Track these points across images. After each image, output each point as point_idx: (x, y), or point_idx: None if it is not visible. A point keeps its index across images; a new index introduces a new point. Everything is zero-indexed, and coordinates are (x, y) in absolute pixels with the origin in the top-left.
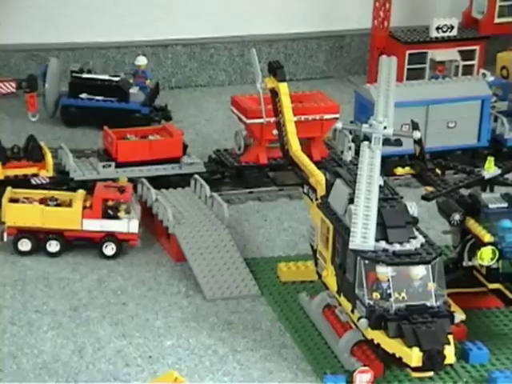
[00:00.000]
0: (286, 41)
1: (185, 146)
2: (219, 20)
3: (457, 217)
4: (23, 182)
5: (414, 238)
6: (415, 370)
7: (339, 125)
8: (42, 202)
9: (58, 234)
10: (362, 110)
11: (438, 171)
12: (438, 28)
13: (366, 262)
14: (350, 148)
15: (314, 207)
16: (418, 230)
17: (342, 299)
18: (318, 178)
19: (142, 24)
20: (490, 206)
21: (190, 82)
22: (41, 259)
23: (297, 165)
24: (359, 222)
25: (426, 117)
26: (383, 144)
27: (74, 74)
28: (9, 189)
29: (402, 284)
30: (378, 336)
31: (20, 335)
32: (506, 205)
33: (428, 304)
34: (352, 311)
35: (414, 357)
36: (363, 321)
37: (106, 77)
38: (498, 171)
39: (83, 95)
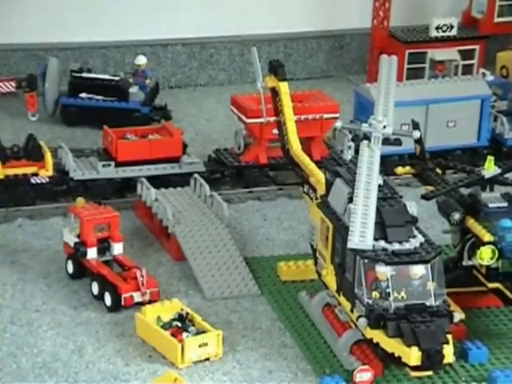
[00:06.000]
0: (285, 40)
1: (184, 146)
2: (219, 19)
3: (457, 216)
4: (23, 182)
5: (414, 237)
6: (414, 369)
7: (339, 124)
8: None
9: None
10: (362, 110)
11: (438, 171)
12: (437, 27)
13: (366, 261)
14: (349, 147)
15: (314, 206)
16: (417, 229)
17: (342, 298)
18: (318, 177)
19: (142, 23)
20: (490, 205)
21: (189, 82)
22: (41, 259)
23: (297, 164)
24: (357, 221)
25: (426, 116)
26: (383, 143)
27: (74, 74)
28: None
29: (402, 283)
30: (377, 335)
31: (20, 334)
32: (505, 204)
33: (427, 303)
34: (351, 310)
35: (412, 356)
36: (362, 320)
37: (106, 76)
38: (498, 170)
39: (83, 95)
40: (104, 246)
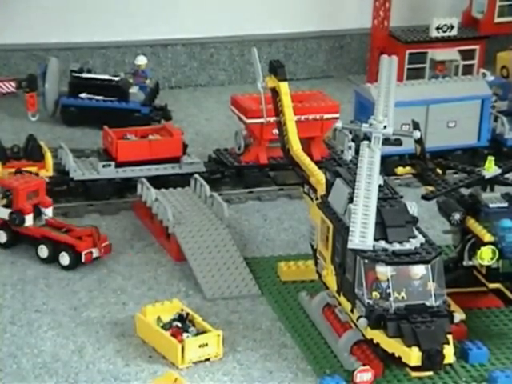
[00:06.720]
0: (285, 40)
1: (185, 146)
2: (219, 20)
3: (457, 216)
4: None
5: (414, 237)
6: (414, 369)
7: (339, 124)
8: None
9: None
10: (362, 110)
11: (439, 171)
12: (438, 28)
13: (366, 261)
14: (349, 147)
15: (314, 207)
16: (417, 229)
17: (342, 299)
18: (319, 177)
19: (142, 23)
20: (490, 205)
21: (189, 82)
22: None
23: (297, 164)
24: (358, 221)
25: (426, 116)
26: (383, 143)
27: (74, 74)
28: None
29: (402, 283)
30: (377, 335)
31: (20, 335)
32: (506, 204)
33: (427, 303)
34: (351, 311)
35: (413, 356)
36: (363, 320)
37: (106, 76)
38: (499, 171)
39: (83, 95)
40: (36, 212)
